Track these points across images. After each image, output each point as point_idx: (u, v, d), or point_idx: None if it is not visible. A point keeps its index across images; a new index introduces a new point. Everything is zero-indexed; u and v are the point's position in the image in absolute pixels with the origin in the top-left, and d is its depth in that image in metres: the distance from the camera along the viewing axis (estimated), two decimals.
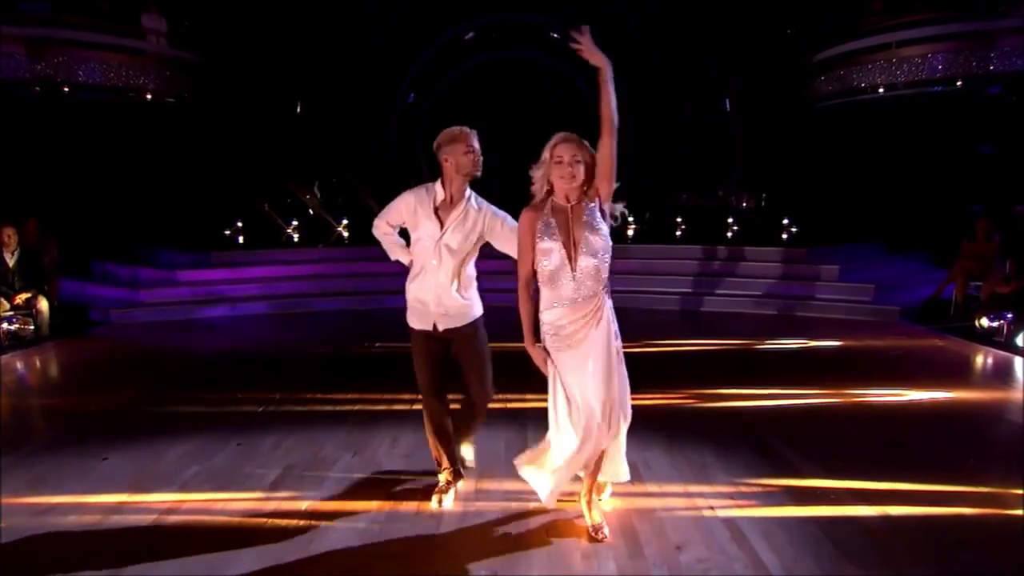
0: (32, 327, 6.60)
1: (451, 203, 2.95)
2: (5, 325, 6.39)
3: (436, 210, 2.94)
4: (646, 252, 9.44)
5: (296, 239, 10.09)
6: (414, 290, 2.99)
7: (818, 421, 4.34)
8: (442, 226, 2.92)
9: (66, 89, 10.57)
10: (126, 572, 2.55)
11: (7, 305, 6.50)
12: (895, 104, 10.85)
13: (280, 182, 11.27)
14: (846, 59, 11.32)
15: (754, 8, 11.97)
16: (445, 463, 3.12)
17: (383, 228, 3.12)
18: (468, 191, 3.00)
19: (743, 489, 3.26)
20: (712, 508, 3.05)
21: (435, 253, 2.92)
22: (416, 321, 3.02)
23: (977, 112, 10.48)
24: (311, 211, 11.22)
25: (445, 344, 3.01)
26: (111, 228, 9.77)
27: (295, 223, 10.26)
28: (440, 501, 3.02)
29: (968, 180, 10.50)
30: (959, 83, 10.23)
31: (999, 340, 6.24)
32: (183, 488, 3.26)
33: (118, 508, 3.05)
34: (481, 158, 2.94)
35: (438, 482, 3.12)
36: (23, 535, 2.81)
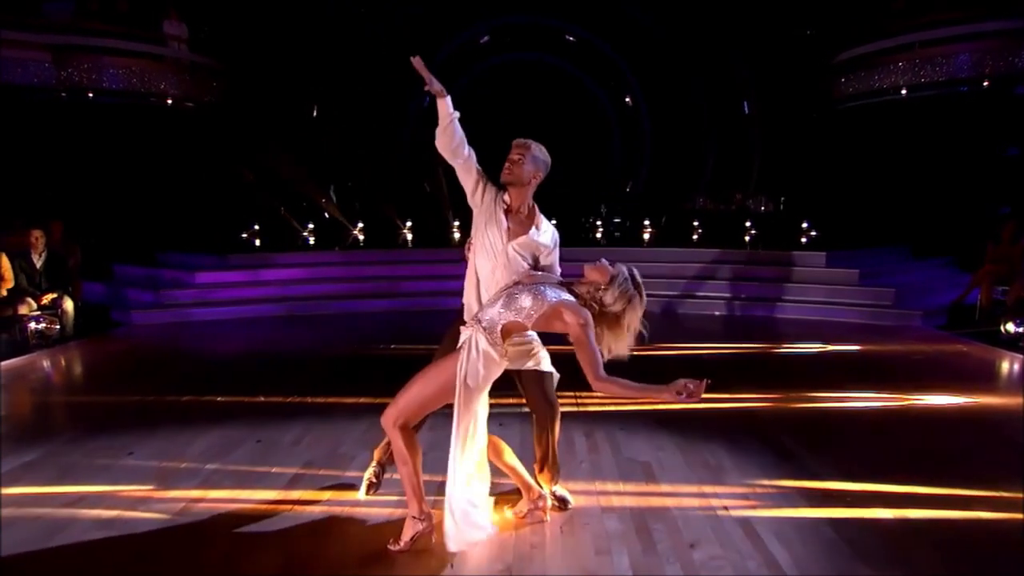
0: (58, 327, 6.77)
1: (516, 213, 2.91)
2: (33, 324, 6.56)
3: (506, 211, 2.89)
4: (662, 256, 9.41)
5: (312, 242, 10.23)
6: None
7: (836, 424, 4.30)
8: (506, 237, 2.86)
9: (91, 95, 10.87)
10: (151, 562, 2.62)
11: (34, 305, 6.68)
12: (918, 105, 10.70)
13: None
14: (868, 60, 11.19)
15: (773, 9, 11.89)
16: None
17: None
18: (536, 211, 2.94)
19: (757, 490, 3.25)
20: (726, 507, 3.04)
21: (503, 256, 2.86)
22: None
23: (1003, 113, 10.29)
24: (327, 214, 11.38)
25: None
26: (131, 231, 9.98)
27: (311, 226, 10.41)
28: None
29: (994, 182, 10.31)
30: (985, 83, 10.06)
31: None
32: (206, 482, 3.34)
33: (143, 501, 3.13)
34: (519, 166, 2.84)
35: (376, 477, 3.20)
36: (55, 522, 2.91)
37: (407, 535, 2.68)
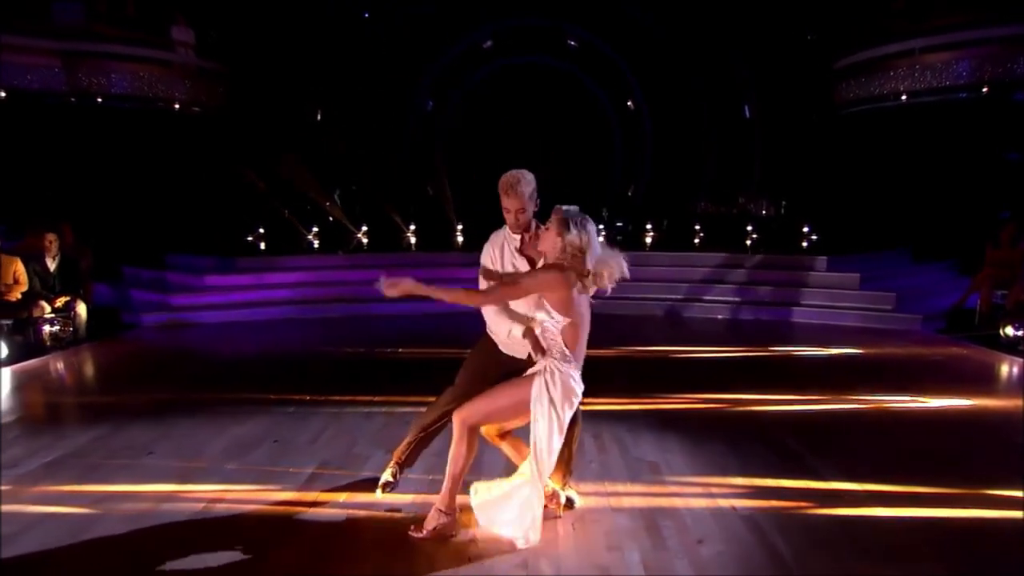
0: (71, 329, 6.87)
1: (527, 243, 2.98)
2: (47, 327, 6.66)
3: (520, 251, 2.97)
4: (664, 260, 9.51)
5: (316, 245, 10.31)
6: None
7: (837, 426, 4.39)
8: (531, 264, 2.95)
9: (99, 100, 11.01)
10: (182, 556, 2.72)
11: (48, 308, 6.77)
12: (919, 110, 10.81)
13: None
14: (867, 65, 11.30)
15: (775, 14, 12.01)
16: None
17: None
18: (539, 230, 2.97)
19: (762, 489, 3.34)
20: (732, 506, 3.14)
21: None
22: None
23: (1003, 119, 10.40)
24: (331, 217, 11.46)
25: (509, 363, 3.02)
26: (139, 234, 10.07)
27: (315, 229, 10.50)
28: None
29: (994, 187, 10.40)
30: (984, 89, 10.17)
31: None
32: (226, 480, 3.44)
33: (168, 497, 3.24)
34: (525, 213, 2.89)
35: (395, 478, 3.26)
36: (85, 518, 3.01)
37: (430, 524, 2.80)
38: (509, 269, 2.97)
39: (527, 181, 2.90)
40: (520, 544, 2.73)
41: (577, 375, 2.73)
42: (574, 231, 2.64)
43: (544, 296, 2.68)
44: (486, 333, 3.13)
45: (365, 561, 2.68)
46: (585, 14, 13.30)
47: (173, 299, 8.55)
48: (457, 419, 2.80)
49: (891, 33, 11.01)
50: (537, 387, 2.68)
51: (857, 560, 2.69)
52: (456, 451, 2.80)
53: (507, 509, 2.78)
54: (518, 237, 2.98)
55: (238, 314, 8.38)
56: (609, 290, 2.71)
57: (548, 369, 2.69)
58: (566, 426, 2.73)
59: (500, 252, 2.99)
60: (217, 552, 2.75)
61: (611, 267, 2.65)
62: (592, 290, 2.71)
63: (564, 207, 2.72)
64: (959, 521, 3.03)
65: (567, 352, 2.70)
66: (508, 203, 2.89)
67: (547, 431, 2.67)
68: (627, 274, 2.69)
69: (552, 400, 2.66)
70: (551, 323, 2.69)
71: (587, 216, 2.71)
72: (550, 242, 2.71)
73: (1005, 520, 3.05)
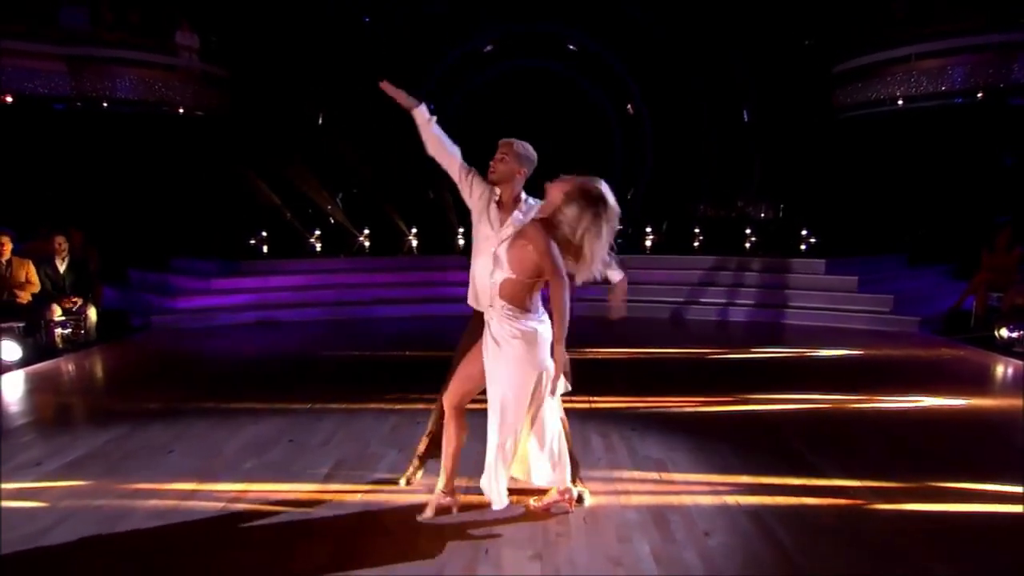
0: (82, 332, 6.96)
1: (505, 205, 3.09)
2: (59, 330, 6.75)
3: (498, 205, 3.08)
4: (663, 263, 9.63)
5: (318, 248, 10.40)
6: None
7: (838, 426, 4.50)
8: (497, 228, 3.05)
9: (105, 104, 11.11)
10: (208, 551, 2.83)
11: (59, 310, 6.86)
12: (916, 115, 10.97)
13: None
14: (865, 71, 11.47)
15: (773, 19, 12.15)
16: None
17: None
18: (522, 197, 3.08)
19: (766, 485, 3.45)
20: (737, 502, 3.25)
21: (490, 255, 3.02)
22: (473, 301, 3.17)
23: (999, 124, 10.55)
24: (332, 220, 11.55)
25: None
26: (144, 237, 10.16)
27: (317, 232, 10.59)
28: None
29: (991, 191, 10.54)
30: (979, 95, 10.33)
31: (1019, 351, 6.32)
32: (245, 478, 3.54)
33: (191, 494, 3.34)
34: (502, 163, 3.01)
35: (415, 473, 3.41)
36: (115, 511, 3.14)
37: (431, 506, 3.01)
38: (481, 209, 3.08)
39: (522, 144, 3.06)
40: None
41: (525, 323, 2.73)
42: (576, 211, 2.56)
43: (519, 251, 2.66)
44: (472, 314, 3.20)
45: (383, 557, 2.76)
46: (585, 15, 13.40)
47: (179, 302, 8.64)
48: (446, 404, 2.97)
49: (888, 39, 11.18)
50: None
51: (857, 551, 2.80)
52: (446, 433, 2.98)
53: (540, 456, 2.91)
54: (499, 192, 3.08)
55: (243, 316, 8.48)
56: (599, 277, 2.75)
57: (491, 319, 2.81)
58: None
59: (483, 192, 3.09)
60: (240, 549, 2.84)
61: (582, 273, 2.69)
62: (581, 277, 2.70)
63: (595, 178, 2.59)
64: (956, 516, 3.14)
65: (511, 307, 2.73)
66: (497, 153, 3.04)
67: (501, 377, 2.78)
68: (612, 278, 2.82)
69: (493, 343, 2.77)
70: (501, 255, 2.74)
71: (612, 206, 2.57)
72: (552, 195, 2.64)
73: (1003, 515, 3.16)
